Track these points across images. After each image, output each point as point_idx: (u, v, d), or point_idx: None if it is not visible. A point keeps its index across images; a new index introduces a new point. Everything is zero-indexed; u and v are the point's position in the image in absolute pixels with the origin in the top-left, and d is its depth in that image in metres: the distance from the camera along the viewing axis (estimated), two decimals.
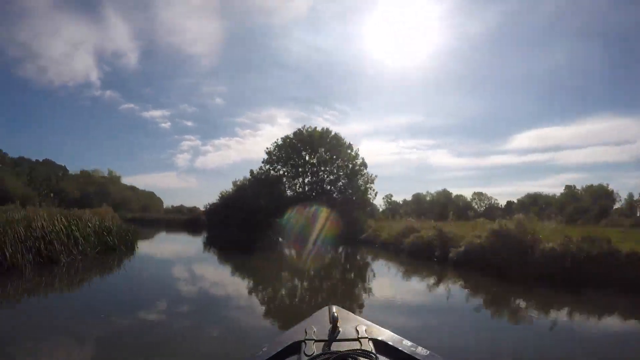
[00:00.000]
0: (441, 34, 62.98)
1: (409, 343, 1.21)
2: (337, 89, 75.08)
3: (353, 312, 1.46)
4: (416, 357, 1.13)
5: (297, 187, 31.94)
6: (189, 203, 49.89)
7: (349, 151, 31.42)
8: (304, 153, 31.40)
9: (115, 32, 63.50)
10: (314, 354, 1.06)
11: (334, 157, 31.03)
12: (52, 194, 44.99)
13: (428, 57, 66.59)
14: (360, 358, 1.03)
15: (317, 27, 66.20)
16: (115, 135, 79.29)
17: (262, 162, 32.22)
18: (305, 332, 1.20)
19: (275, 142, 32.09)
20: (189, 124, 76.19)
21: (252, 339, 4.73)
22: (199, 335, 4.84)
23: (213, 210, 33.42)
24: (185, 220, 38.41)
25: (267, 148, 32.18)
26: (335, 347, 1.13)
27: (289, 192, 31.68)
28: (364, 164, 31.47)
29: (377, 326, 1.31)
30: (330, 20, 65.13)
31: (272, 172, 31.97)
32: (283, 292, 8.70)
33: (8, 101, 65.73)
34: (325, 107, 75.03)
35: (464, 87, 70.51)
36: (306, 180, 31.86)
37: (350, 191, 30.84)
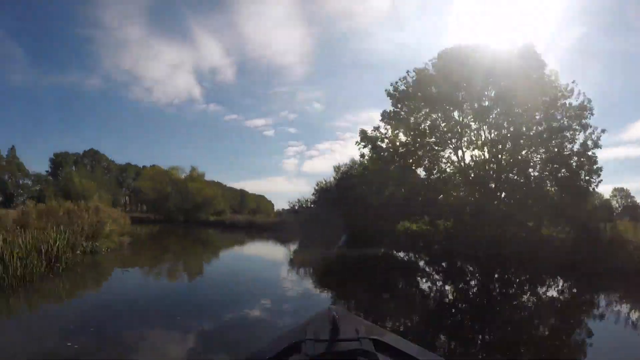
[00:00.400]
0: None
1: (409, 343, 1.20)
2: None
3: None
4: (416, 357, 1.11)
5: (445, 163, 17.65)
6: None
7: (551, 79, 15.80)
8: (459, 96, 16.67)
9: (208, 51, 69.52)
10: (314, 354, 1.05)
11: (527, 93, 15.01)
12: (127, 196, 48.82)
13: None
14: (360, 358, 1.02)
15: (401, 24, 64.08)
16: (224, 144, 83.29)
17: (381, 118, 18.20)
18: (305, 332, 1.18)
19: (402, 79, 17.64)
20: (292, 130, 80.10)
21: None
22: None
23: (304, 210, 23.82)
24: (270, 224, 29.46)
25: (392, 85, 17.83)
26: (336, 347, 1.10)
27: (423, 174, 17.93)
28: (584, 110, 15.25)
29: (378, 326, 1.32)
30: (411, 15, 62.58)
31: (398, 137, 18.09)
32: None
33: (120, 120, 74.41)
34: None
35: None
36: (464, 146, 17.08)
37: (563, 170, 15.24)
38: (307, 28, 69.73)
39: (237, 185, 68.09)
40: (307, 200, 24.65)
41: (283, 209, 39.35)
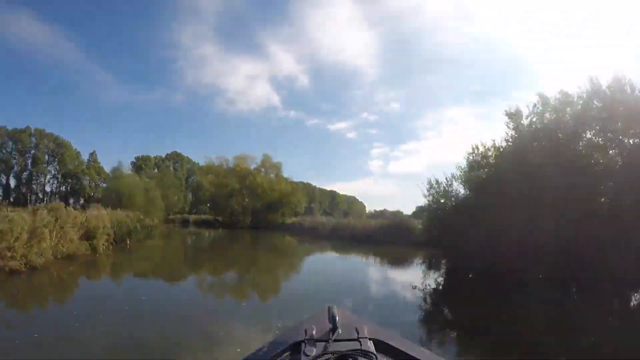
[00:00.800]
0: None
1: (409, 343, 1.18)
2: (513, 77, 67.64)
3: None
4: (417, 356, 1.10)
5: None
6: (390, 206, 44.55)
7: None
8: None
9: (281, 61, 73.32)
10: (314, 354, 1.04)
11: None
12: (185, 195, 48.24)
13: None
14: (360, 358, 1.01)
15: (468, 15, 63.60)
16: (309, 149, 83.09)
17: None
18: (305, 332, 1.17)
19: None
20: (374, 131, 79.74)
21: None
22: None
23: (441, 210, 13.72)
24: (384, 228, 21.99)
25: None
26: (335, 347, 1.09)
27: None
28: None
29: (377, 326, 1.27)
30: (477, 5, 61.62)
31: None
32: None
33: (206, 129, 78.83)
34: (506, 99, 68.59)
35: None
36: None
37: None
38: (374, 29, 70.77)
39: (327, 187, 69.63)
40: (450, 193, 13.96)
41: (375, 210, 35.05)
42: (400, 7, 66.92)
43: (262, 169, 37.93)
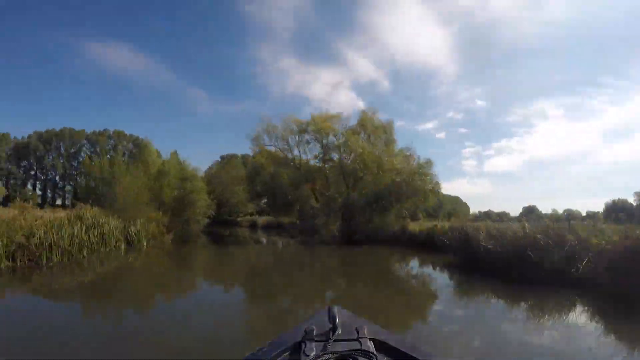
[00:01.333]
0: None
1: (409, 343, 1.18)
2: (603, 61, 65.35)
3: None
4: (416, 356, 1.09)
5: None
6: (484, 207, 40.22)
7: None
8: None
9: (360, 67, 74.02)
10: (314, 354, 1.05)
11: None
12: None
13: None
14: (360, 358, 1.02)
15: (539, 2, 61.41)
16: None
17: None
18: (305, 332, 1.18)
19: None
20: (463, 130, 78.39)
21: None
22: None
23: None
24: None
25: None
26: (336, 347, 1.10)
27: None
28: None
29: (377, 326, 1.27)
30: None
31: None
32: None
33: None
34: (596, 87, 68.13)
35: None
36: None
37: None
38: (447, 27, 70.30)
39: None
40: None
41: (480, 212, 32.61)
42: (468, 2, 66.00)
43: (361, 133, 20.85)
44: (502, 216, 26.36)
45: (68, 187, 57.18)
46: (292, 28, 72.11)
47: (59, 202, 54.85)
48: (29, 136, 56.46)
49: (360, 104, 79.79)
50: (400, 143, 21.95)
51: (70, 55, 67.11)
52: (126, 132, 56.14)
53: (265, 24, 71.15)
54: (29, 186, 57.35)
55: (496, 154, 77.90)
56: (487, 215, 33.00)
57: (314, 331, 1.19)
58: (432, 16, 69.91)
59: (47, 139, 55.71)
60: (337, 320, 1.21)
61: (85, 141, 55.97)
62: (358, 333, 1.17)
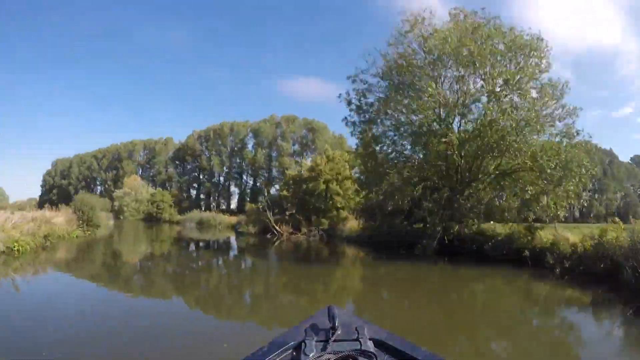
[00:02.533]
0: None
1: (409, 343, 1.17)
2: None
3: None
4: (416, 357, 1.09)
5: None
6: None
7: None
8: None
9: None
10: (314, 354, 1.05)
11: None
12: None
13: None
14: (360, 358, 1.01)
15: None
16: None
17: None
18: (305, 332, 1.19)
19: None
20: None
21: None
22: None
23: None
24: None
25: None
26: (336, 347, 1.10)
27: None
28: None
29: (377, 326, 1.27)
30: None
31: None
32: None
33: None
34: None
35: None
36: None
37: None
38: (612, 3, 67.12)
39: None
40: None
41: None
42: None
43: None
44: None
45: (233, 188, 53.53)
46: None
47: (223, 206, 50.99)
48: (188, 137, 54.19)
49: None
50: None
51: None
52: (297, 116, 48.80)
53: None
54: (191, 191, 54.51)
55: None
56: None
57: (314, 331, 1.19)
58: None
59: (206, 137, 52.21)
60: (337, 320, 1.21)
61: (250, 133, 50.54)
62: (358, 333, 1.17)
